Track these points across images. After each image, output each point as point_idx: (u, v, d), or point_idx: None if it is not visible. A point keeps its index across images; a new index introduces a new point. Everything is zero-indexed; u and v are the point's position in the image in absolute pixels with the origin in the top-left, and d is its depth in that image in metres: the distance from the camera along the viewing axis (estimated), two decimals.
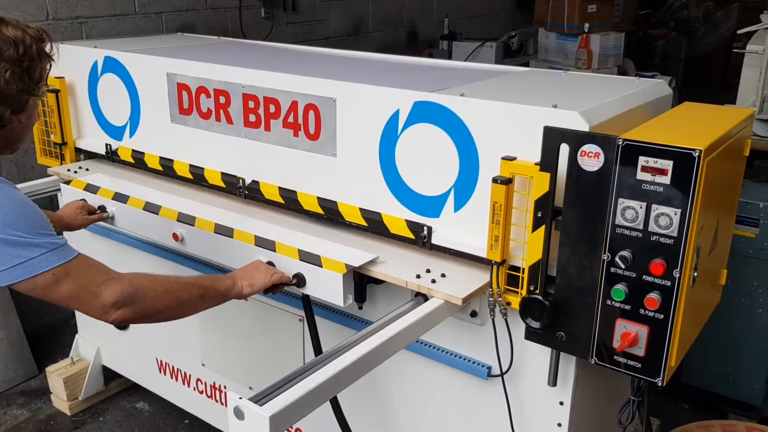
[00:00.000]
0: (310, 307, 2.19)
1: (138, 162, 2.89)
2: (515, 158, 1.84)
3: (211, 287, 1.87)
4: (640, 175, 1.63)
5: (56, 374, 3.39)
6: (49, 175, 3.03)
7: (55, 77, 3.03)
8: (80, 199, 2.60)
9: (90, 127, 3.07)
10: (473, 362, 2.13)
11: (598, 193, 1.69)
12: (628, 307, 1.71)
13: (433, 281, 1.97)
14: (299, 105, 2.30)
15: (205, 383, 2.99)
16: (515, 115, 1.88)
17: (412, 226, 2.13)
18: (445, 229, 2.08)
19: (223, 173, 2.61)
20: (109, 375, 3.50)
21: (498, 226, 1.85)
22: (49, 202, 3.50)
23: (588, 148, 1.69)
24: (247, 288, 1.95)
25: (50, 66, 1.73)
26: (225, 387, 2.91)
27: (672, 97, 2.29)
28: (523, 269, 1.86)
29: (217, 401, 2.97)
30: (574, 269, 1.77)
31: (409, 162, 2.11)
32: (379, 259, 2.09)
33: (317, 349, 2.17)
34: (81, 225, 2.48)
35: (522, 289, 1.87)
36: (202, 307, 1.84)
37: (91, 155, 3.13)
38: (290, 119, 2.35)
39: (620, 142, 1.64)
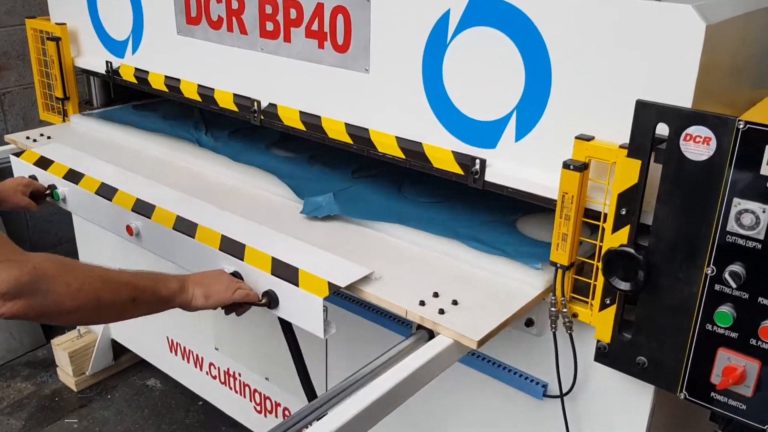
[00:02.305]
0: (292, 333, 1.74)
1: (141, 82, 2.50)
2: (592, 138, 1.46)
3: (149, 290, 1.47)
4: (767, 170, 1.22)
5: (61, 348, 3.13)
6: (7, 143, 2.62)
7: (56, 23, 2.67)
8: (30, 175, 2.20)
9: (89, 42, 2.70)
10: (527, 378, 1.76)
11: (706, 189, 1.30)
12: (735, 335, 1.34)
13: (441, 311, 1.50)
14: (325, 8, 1.88)
15: (219, 368, 2.69)
16: (603, 14, 1.43)
17: (461, 158, 1.72)
18: (503, 163, 1.66)
19: (235, 95, 2.22)
20: (119, 349, 3.22)
21: (567, 223, 1.48)
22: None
23: (695, 130, 1.28)
24: (200, 299, 1.54)
25: None
26: (240, 374, 2.63)
27: None
28: (596, 275, 1.50)
29: (231, 388, 2.67)
30: (666, 282, 1.39)
31: (460, 78, 1.68)
32: (375, 275, 1.62)
33: (308, 390, 1.81)
34: (15, 206, 2.06)
35: (594, 299, 1.53)
36: (133, 313, 1.44)
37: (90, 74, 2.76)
38: (314, 27, 1.93)
39: (741, 126, 1.23)
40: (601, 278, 1.49)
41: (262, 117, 2.14)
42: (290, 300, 1.56)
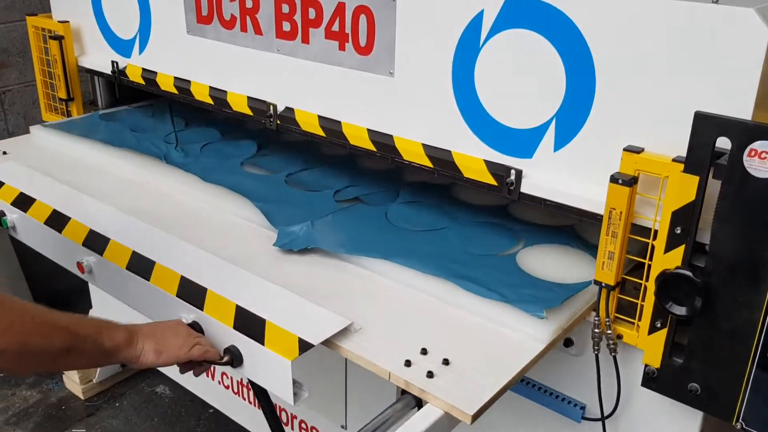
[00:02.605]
0: (265, 396, 1.51)
1: (149, 83, 2.40)
2: (642, 149, 1.37)
3: (90, 339, 1.25)
4: None
5: None
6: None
7: (59, 21, 2.55)
8: None
9: (93, 40, 2.58)
10: (564, 399, 1.66)
11: None
12: None
13: (430, 374, 1.29)
14: (347, 8, 1.78)
15: (231, 378, 2.58)
16: (654, 16, 1.33)
17: (495, 168, 1.62)
18: (541, 174, 1.56)
19: (249, 98, 2.11)
20: None
21: (614, 240, 1.39)
22: None
23: (761, 145, 1.19)
24: (150, 355, 1.33)
25: None
26: None
27: None
28: (644, 294, 1.42)
29: (244, 399, 2.57)
30: (724, 306, 1.29)
31: (494, 84, 1.58)
32: (355, 325, 1.41)
33: None
34: None
35: (641, 320, 1.44)
36: (69, 365, 1.28)
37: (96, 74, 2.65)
38: (335, 27, 1.82)
39: None
40: (649, 298, 1.39)
41: (278, 121, 2.04)
42: (255, 359, 1.35)
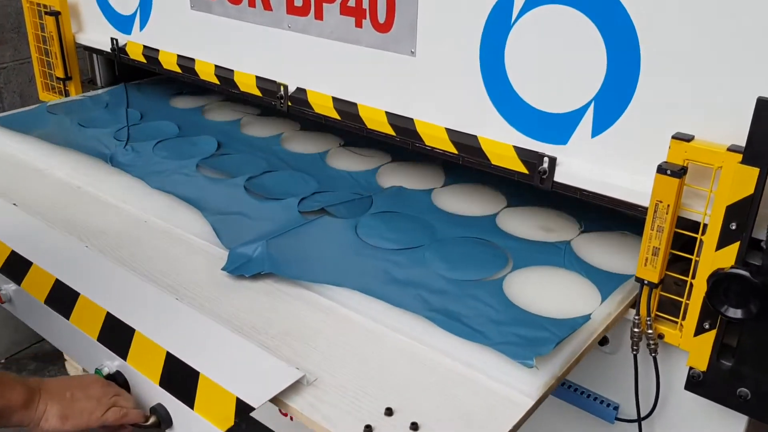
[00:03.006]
0: None
1: (150, 61, 2.27)
2: (692, 137, 1.25)
3: None
4: None
5: None
6: None
7: None
8: None
9: (91, 16, 2.45)
10: (596, 399, 1.56)
11: None
12: None
13: None
14: None
15: None
16: None
17: (526, 155, 1.51)
18: (576, 162, 1.46)
19: (258, 78, 1.99)
20: None
21: (660, 235, 1.28)
22: None
23: None
24: (54, 420, 1.12)
25: None
26: None
27: None
28: (689, 292, 1.32)
29: None
30: None
31: (527, 64, 1.46)
32: (309, 377, 1.17)
33: None
34: None
35: (685, 320, 1.34)
36: None
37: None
38: (351, 2, 1.70)
39: None
40: (696, 297, 1.29)
41: (289, 103, 1.92)
42: (187, 422, 1.12)
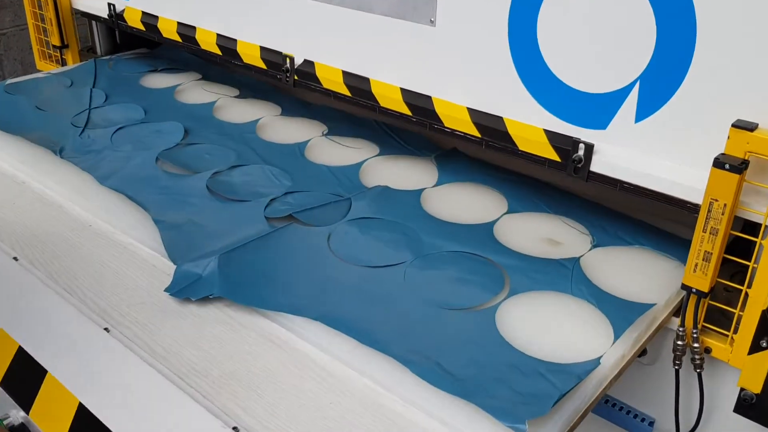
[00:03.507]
0: None
1: (149, 29, 2.11)
2: (756, 126, 1.07)
3: None
4: None
5: None
6: None
7: None
8: None
9: None
10: (629, 412, 1.39)
11: None
12: None
13: None
14: None
15: None
16: None
17: (559, 140, 1.33)
18: (616, 149, 1.28)
19: (263, 48, 1.82)
20: None
21: (713, 239, 1.11)
22: None
23: None
24: None
25: None
26: None
27: None
28: (743, 303, 1.15)
29: None
30: None
31: (562, 36, 1.28)
32: None
33: None
34: None
35: (737, 333, 1.17)
36: None
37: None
38: None
39: None
40: (752, 309, 1.12)
41: (295, 77, 1.76)
42: None
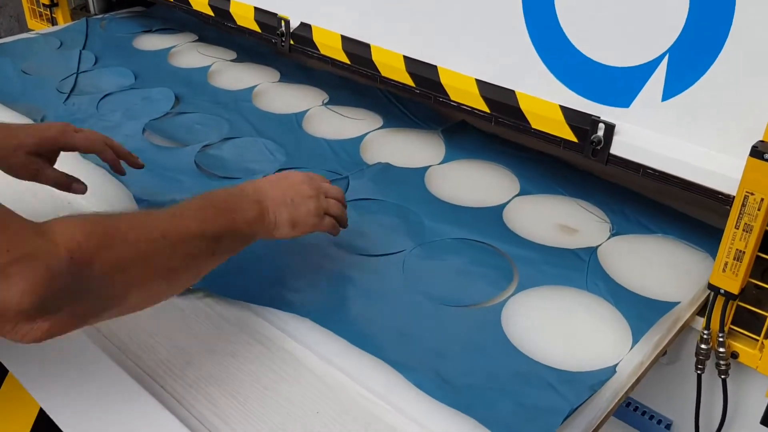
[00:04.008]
0: None
1: None
2: None
3: (228, 232, 0.95)
4: None
5: None
6: None
7: None
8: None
9: None
10: (644, 413, 1.27)
11: None
12: None
13: None
14: None
15: None
16: None
17: (576, 119, 1.20)
18: (640, 130, 1.15)
19: (257, 9, 1.68)
20: None
21: (747, 236, 0.99)
22: None
23: None
24: (285, 227, 1.03)
25: None
26: None
27: None
28: None
29: None
30: None
31: (582, 2, 1.14)
32: None
33: None
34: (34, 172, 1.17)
35: (766, 337, 1.06)
36: (209, 268, 0.95)
37: None
38: None
39: None
40: None
41: (291, 41, 1.62)
42: None
